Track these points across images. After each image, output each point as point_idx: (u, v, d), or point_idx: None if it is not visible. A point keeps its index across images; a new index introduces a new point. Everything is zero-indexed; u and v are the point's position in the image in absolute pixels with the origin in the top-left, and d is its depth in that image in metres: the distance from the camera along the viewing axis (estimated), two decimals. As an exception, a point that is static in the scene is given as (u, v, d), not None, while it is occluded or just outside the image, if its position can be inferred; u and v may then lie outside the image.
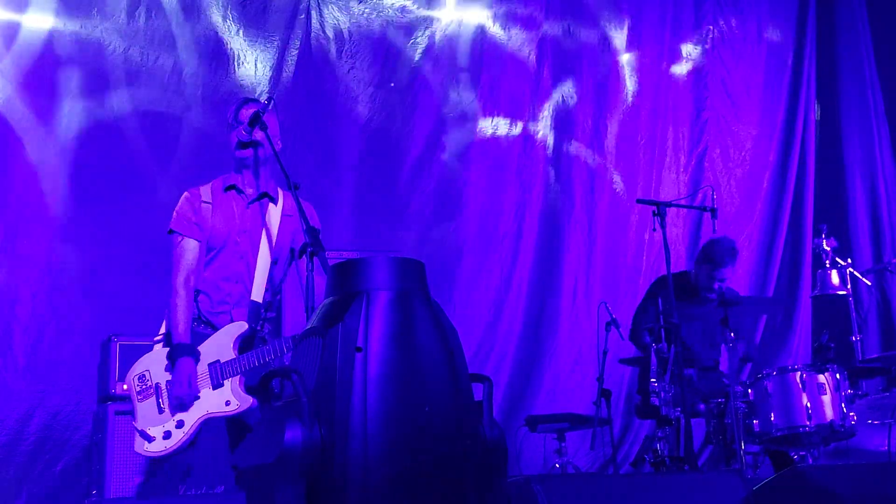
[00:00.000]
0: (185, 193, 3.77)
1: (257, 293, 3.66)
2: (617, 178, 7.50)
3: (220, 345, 3.56)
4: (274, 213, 3.74)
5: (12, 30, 5.68)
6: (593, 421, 5.74)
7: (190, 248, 3.64)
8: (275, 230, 3.72)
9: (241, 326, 3.60)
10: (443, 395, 2.30)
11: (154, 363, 3.58)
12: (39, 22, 5.73)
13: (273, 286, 3.75)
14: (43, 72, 5.73)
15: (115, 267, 5.58)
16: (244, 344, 3.60)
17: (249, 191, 3.73)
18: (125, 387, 3.63)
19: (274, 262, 3.73)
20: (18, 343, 5.39)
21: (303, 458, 2.17)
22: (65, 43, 5.77)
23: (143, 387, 3.55)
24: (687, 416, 4.82)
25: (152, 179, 5.79)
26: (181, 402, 3.49)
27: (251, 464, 2.32)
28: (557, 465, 5.86)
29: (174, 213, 3.71)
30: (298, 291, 3.55)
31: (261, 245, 3.68)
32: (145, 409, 3.52)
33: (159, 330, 3.69)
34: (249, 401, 3.54)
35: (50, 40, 5.75)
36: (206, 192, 3.74)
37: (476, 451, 2.33)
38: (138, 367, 3.59)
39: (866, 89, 8.07)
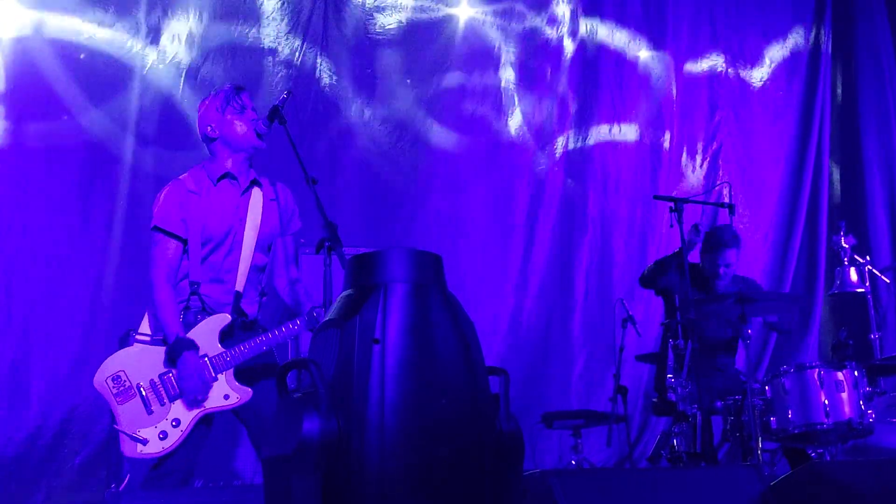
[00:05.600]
0: (169, 185, 3.68)
1: (240, 282, 3.63)
2: (633, 175, 7.49)
3: (204, 339, 3.52)
4: (256, 199, 3.72)
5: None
6: (610, 417, 5.74)
7: (172, 247, 3.57)
8: (260, 216, 3.69)
9: (224, 319, 3.56)
10: (459, 387, 2.31)
11: (131, 363, 3.49)
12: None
13: (264, 273, 3.73)
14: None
15: (134, 261, 5.60)
16: (225, 335, 3.56)
17: (242, 177, 3.71)
18: (97, 387, 3.48)
19: (268, 248, 3.73)
20: (35, 338, 5.43)
21: (320, 449, 2.17)
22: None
23: (121, 388, 3.45)
24: (705, 413, 4.81)
25: (170, 175, 5.80)
26: (195, 397, 3.44)
27: (269, 454, 2.33)
28: (573, 462, 5.86)
29: (158, 208, 3.61)
30: (315, 282, 3.54)
31: (245, 232, 3.66)
32: (129, 411, 3.43)
33: (139, 328, 3.60)
34: (249, 392, 3.52)
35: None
36: (190, 181, 3.67)
37: (492, 444, 2.33)
38: (110, 368, 3.48)
39: (885, 85, 8.03)
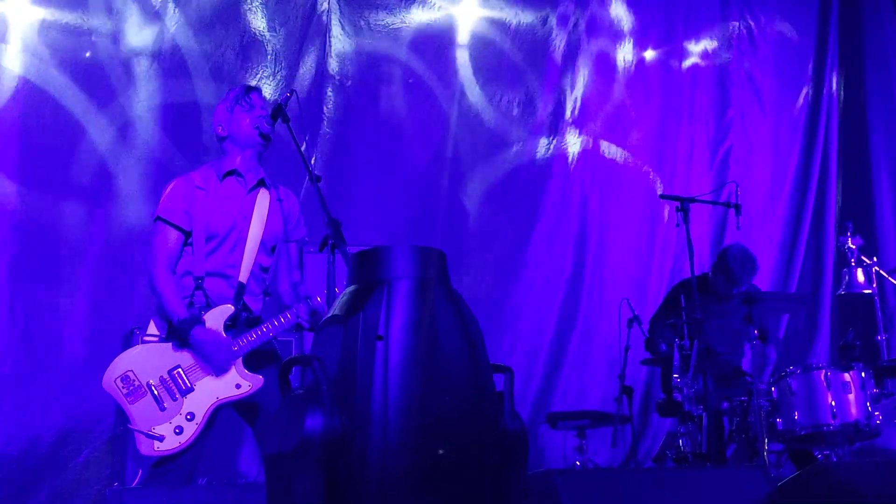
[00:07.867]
0: (176, 179, 3.72)
1: (244, 274, 3.64)
2: (640, 174, 7.47)
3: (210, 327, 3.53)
4: (263, 198, 3.73)
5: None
6: (614, 418, 5.72)
7: (173, 237, 3.60)
8: (266, 215, 3.71)
9: (228, 309, 3.57)
10: (463, 384, 2.29)
11: (138, 362, 3.49)
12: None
13: (268, 273, 3.75)
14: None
15: (138, 259, 5.60)
16: (229, 328, 3.57)
17: (249, 175, 3.73)
18: (106, 389, 3.49)
19: (272, 249, 3.74)
20: (38, 336, 5.42)
21: (322, 446, 2.16)
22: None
23: (131, 388, 3.45)
24: (710, 413, 4.79)
25: (174, 173, 5.80)
26: (222, 367, 3.48)
27: (271, 451, 2.32)
28: (578, 463, 5.84)
29: (163, 199, 3.65)
30: (319, 280, 3.53)
31: (251, 230, 3.67)
32: (142, 410, 3.43)
33: (147, 330, 3.62)
34: (260, 379, 3.53)
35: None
36: (198, 177, 3.70)
37: (496, 442, 2.32)
38: (118, 368, 3.48)
39: (892, 85, 7.99)
